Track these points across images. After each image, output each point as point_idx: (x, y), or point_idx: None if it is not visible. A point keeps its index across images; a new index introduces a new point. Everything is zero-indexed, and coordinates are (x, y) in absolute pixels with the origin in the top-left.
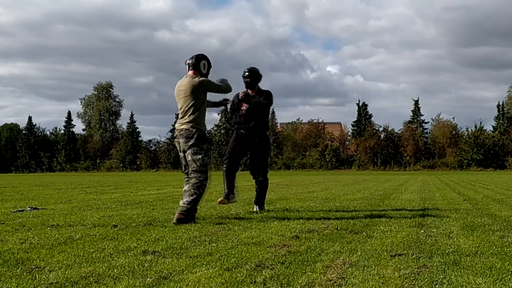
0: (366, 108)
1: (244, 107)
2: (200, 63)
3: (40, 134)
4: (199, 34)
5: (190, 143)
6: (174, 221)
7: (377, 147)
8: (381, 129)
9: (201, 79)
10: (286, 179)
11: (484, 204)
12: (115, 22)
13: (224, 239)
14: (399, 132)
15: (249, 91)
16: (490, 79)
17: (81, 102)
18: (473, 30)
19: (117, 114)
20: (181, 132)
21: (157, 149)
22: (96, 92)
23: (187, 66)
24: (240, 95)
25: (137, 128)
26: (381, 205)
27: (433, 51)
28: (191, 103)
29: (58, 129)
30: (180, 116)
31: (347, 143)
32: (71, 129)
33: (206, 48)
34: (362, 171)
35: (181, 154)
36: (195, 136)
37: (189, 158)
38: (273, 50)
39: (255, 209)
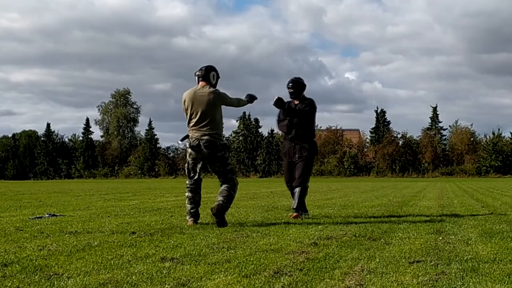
0: (385, 115)
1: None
2: (209, 74)
3: (58, 141)
4: (216, 41)
5: (219, 154)
6: (214, 211)
7: (395, 154)
8: (399, 136)
9: (221, 91)
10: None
11: (502, 211)
12: (132, 28)
13: (243, 245)
14: (418, 139)
15: (295, 101)
16: (509, 85)
17: (99, 109)
18: (492, 36)
19: (135, 121)
20: (205, 143)
21: (176, 156)
22: (113, 99)
23: (197, 78)
24: (274, 100)
25: (155, 135)
26: (399, 212)
27: (451, 57)
28: (213, 114)
29: (76, 136)
30: (197, 125)
31: (366, 150)
32: (89, 136)
33: (224, 54)
34: (380, 178)
35: (192, 161)
36: (221, 147)
37: (220, 169)
38: (291, 56)
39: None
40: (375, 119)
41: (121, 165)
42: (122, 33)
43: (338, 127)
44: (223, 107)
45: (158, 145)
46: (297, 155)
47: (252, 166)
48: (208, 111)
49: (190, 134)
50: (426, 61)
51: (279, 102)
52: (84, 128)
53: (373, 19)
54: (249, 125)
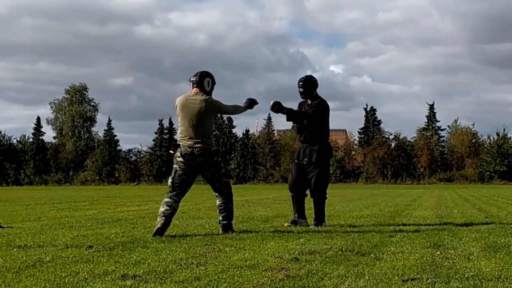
0: (375, 113)
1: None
2: (204, 80)
3: (5, 142)
4: (184, 29)
5: (213, 161)
6: (222, 232)
7: (387, 157)
8: (391, 137)
9: (215, 99)
10: (284, 194)
11: (508, 222)
12: (89, 15)
13: (214, 261)
14: (412, 140)
15: (308, 101)
16: None
17: (51, 106)
18: (496, 24)
19: (92, 120)
20: (198, 151)
21: (138, 160)
22: (68, 95)
23: (191, 84)
24: (270, 105)
25: (115, 136)
26: (391, 223)
27: (450, 48)
28: (205, 122)
29: (26, 137)
30: (188, 133)
31: (353, 153)
32: (40, 137)
33: (192, 44)
34: (370, 184)
35: (181, 172)
36: (214, 154)
37: (214, 175)
38: (269, 47)
39: (311, 226)
40: (364, 118)
41: (76, 170)
42: (77, 20)
43: None
44: None
45: (118, 148)
46: (306, 159)
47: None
48: (200, 119)
49: (181, 143)
50: (421, 52)
51: (276, 106)
52: (35, 129)
53: (362, 5)
54: (221, 124)
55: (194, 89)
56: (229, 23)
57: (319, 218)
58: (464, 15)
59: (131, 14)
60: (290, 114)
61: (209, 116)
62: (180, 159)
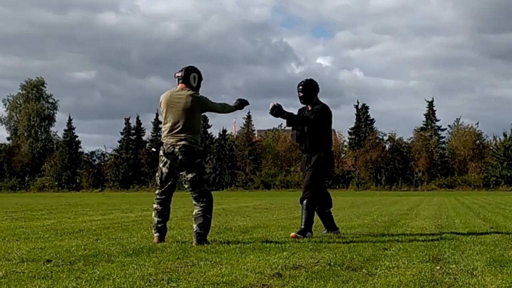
0: (367, 111)
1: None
2: (190, 75)
3: None
4: (153, 17)
5: (196, 161)
6: (195, 245)
7: (380, 160)
8: (385, 138)
9: (202, 95)
10: (266, 201)
11: None
12: (47, 2)
13: (187, 277)
14: (409, 141)
15: (308, 107)
16: None
17: (5, 103)
18: (502, 12)
19: (50, 119)
20: (181, 148)
21: (102, 164)
22: (23, 91)
23: (176, 79)
24: (270, 108)
25: (77, 136)
26: (386, 234)
27: (451, 38)
28: (190, 119)
29: None
30: (172, 130)
31: (343, 155)
32: None
33: (163, 34)
34: (362, 191)
35: (166, 170)
36: (198, 154)
37: (195, 178)
38: (248, 37)
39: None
40: (355, 116)
41: (33, 174)
42: (34, 8)
43: None
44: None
45: (79, 150)
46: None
47: None
48: (185, 116)
49: (164, 141)
50: (419, 43)
51: (275, 110)
52: None
53: None
54: None
55: (180, 84)
56: (204, 10)
57: (305, 227)
58: (467, 1)
59: (93, 0)
60: (290, 119)
61: (195, 113)
62: (163, 158)
